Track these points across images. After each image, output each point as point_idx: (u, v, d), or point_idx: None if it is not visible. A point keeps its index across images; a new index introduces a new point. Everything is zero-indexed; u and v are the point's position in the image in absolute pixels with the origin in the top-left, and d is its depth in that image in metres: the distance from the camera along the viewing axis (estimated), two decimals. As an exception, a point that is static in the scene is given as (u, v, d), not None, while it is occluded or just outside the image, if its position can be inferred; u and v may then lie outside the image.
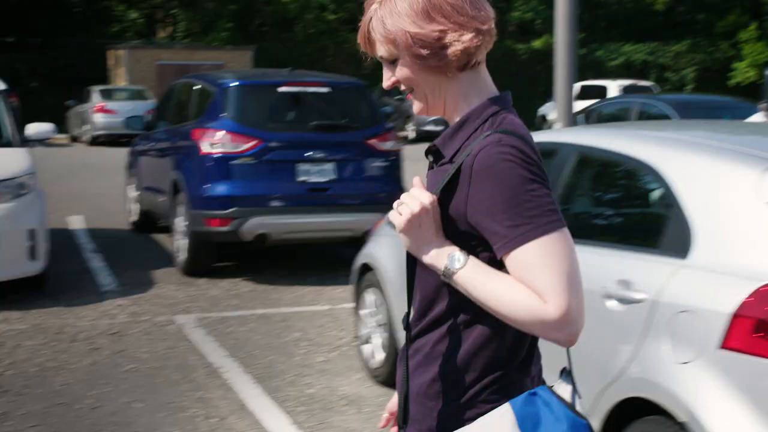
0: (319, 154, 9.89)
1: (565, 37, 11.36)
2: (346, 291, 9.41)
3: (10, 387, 6.53)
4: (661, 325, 4.03)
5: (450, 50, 2.26)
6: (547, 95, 37.04)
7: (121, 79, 34.44)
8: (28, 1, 37.53)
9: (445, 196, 2.26)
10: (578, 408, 2.31)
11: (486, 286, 2.24)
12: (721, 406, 3.75)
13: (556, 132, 5.71)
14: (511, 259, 2.17)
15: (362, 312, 7.04)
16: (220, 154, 9.70)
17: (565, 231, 2.17)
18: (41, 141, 11.30)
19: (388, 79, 2.42)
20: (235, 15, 39.57)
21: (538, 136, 5.90)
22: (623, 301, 4.21)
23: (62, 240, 11.51)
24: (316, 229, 10.05)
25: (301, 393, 6.59)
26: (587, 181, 5.11)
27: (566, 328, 2.14)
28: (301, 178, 9.81)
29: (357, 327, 7.18)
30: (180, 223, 10.27)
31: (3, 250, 8.86)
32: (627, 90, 30.16)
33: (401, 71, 2.37)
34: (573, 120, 11.89)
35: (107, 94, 30.24)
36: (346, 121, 10.27)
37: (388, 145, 10.23)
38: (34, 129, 10.92)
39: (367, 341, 6.94)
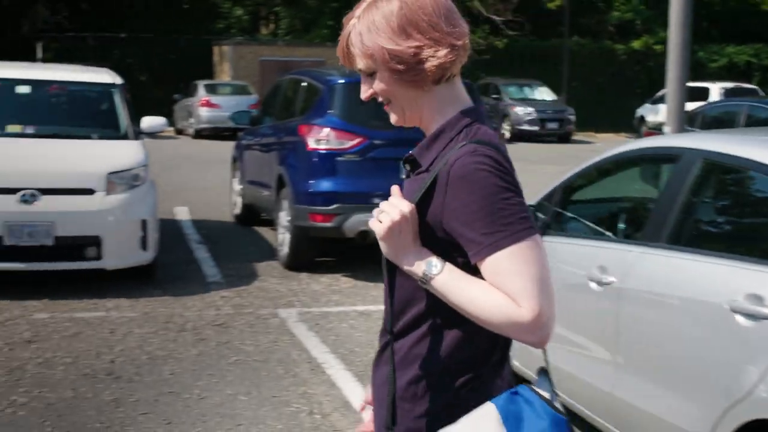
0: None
1: (679, 37, 11.16)
2: None
3: (122, 374, 6.65)
4: None
5: (426, 65, 2.35)
6: (644, 96, 36.55)
7: (225, 75, 34.91)
8: (141, -2, 38.47)
9: (422, 204, 2.35)
10: (557, 405, 2.36)
11: (462, 291, 2.34)
12: None
13: (678, 137, 5.53)
14: (486, 265, 2.29)
15: None
16: (325, 151, 9.73)
17: (537, 238, 2.29)
18: (152, 134, 11.46)
19: (365, 91, 2.48)
20: (335, 13, 39.63)
21: (667, 142, 5.75)
22: (754, 317, 4.05)
23: (169, 230, 11.68)
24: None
25: None
26: (713, 188, 4.98)
27: (539, 331, 2.25)
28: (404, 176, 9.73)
29: None
30: (283, 217, 10.33)
31: (117, 240, 9.06)
32: (730, 93, 29.46)
33: (379, 84, 2.44)
34: (685, 123, 11.67)
35: (212, 89, 30.77)
36: None
37: None
38: (147, 122, 11.05)
39: None
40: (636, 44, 41.53)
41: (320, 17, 39.87)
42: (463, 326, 2.41)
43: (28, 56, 31.82)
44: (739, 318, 4.10)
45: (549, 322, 2.27)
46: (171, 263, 10.14)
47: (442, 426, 2.41)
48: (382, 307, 7.70)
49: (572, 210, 6.07)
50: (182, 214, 13.91)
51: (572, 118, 32.52)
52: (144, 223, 9.20)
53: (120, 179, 9.23)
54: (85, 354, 7.32)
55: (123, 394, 6.35)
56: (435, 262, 2.38)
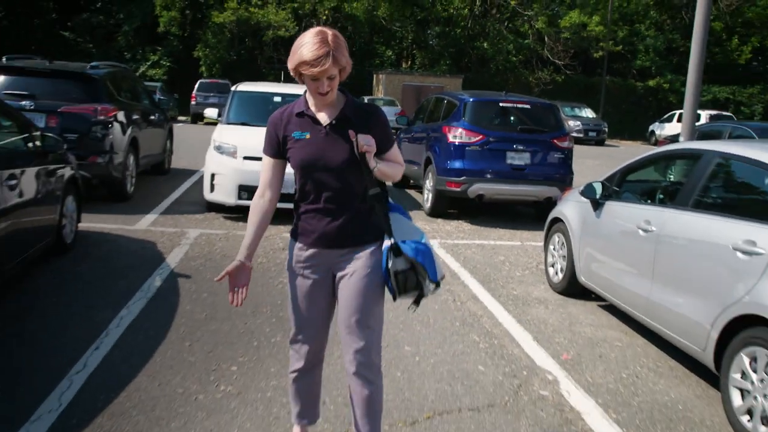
0: (521, 147, 9.81)
1: (694, 79, 10.96)
2: (530, 234, 9.49)
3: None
4: None
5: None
6: (654, 118, 35.66)
7: (380, 93, 34.94)
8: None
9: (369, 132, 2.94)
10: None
11: (386, 167, 3.00)
12: None
13: (702, 142, 5.55)
14: (389, 153, 3.04)
15: (550, 247, 7.00)
16: (459, 143, 9.80)
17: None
18: None
19: (328, 86, 2.85)
20: (452, 55, 39.50)
21: (693, 146, 5.57)
22: (748, 253, 4.11)
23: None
24: (514, 194, 9.97)
25: (509, 293, 6.61)
26: (726, 175, 4.92)
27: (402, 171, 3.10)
28: (509, 162, 9.77)
29: (545, 256, 7.13)
30: (428, 184, 10.40)
31: None
32: (714, 118, 28.79)
33: (336, 82, 2.87)
34: (692, 136, 11.50)
35: (372, 102, 30.81)
36: (539, 127, 10.10)
37: (565, 144, 10.10)
38: None
39: (551, 266, 6.95)
40: (651, 83, 40.06)
41: (441, 57, 39.63)
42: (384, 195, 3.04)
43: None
44: (739, 254, 4.16)
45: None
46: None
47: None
48: (491, 243, 8.08)
49: (626, 186, 6.01)
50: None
51: (605, 129, 31.76)
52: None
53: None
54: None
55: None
56: (377, 160, 2.95)
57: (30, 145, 5.96)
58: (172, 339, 4.88)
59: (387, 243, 2.95)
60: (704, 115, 29.40)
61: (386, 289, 3.03)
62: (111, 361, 4.44)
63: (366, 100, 30.22)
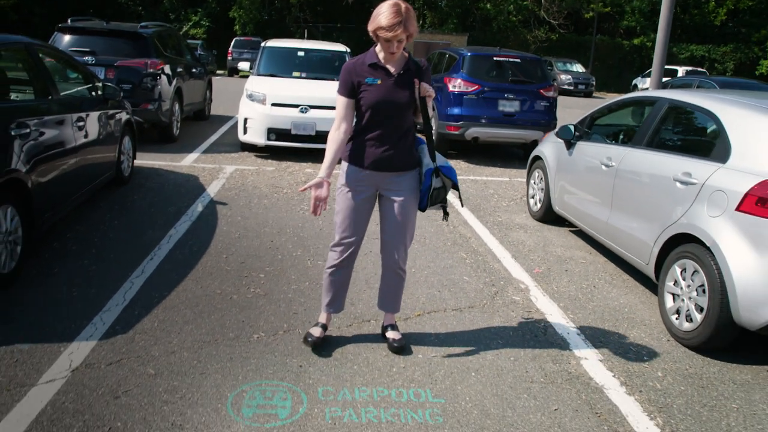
0: (511, 96, 9.82)
1: (662, 38, 10.87)
2: (517, 172, 9.58)
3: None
4: (704, 197, 4.03)
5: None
6: (637, 73, 34.98)
7: (394, 48, 34.55)
8: (352, 2, 37.80)
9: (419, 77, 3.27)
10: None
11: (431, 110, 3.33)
12: (730, 238, 3.77)
13: (655, 91, 5.67)
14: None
15: (531, 181, 7.08)
16: (457, 92, 9.83)
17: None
18: None
19: (397, 47, 3.15)
20: (458, 15, 38.72)
21: (649, 94, 5.74)
22: (684, 183, 4.24)
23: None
24: (505, 137, 10.00)
25: (495, 220, 6.73)
26: (673, 118, 4.99)
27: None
28: (500, 108, 9.79)
29: (527, 189, 7.23)
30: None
31: None
32: (690, 73, 28.23)
33: (403, 44, 3.16)
34: (659, 88, 11.45)
35: None
36: (528, 79, 10.07)
37: (550, 93, 10.07)
38: None
39: (532, 197, 7.05)
40: (635, 41, 38.99)
41: (449, 17, 38.85)
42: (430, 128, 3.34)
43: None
44: (678, 184, 4.29)
45: None
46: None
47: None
48: (483, 178, 8.24)
49: (594, 129, 6.09)
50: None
51: (593, 83, 31.24)
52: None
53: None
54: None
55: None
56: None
57: (93, 93, 6.14)
58: (211, 252, 5.18)
59: (430, 166, 3.33)
60: (681, 70, 28.91)
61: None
62: (163, 268, 4.74)
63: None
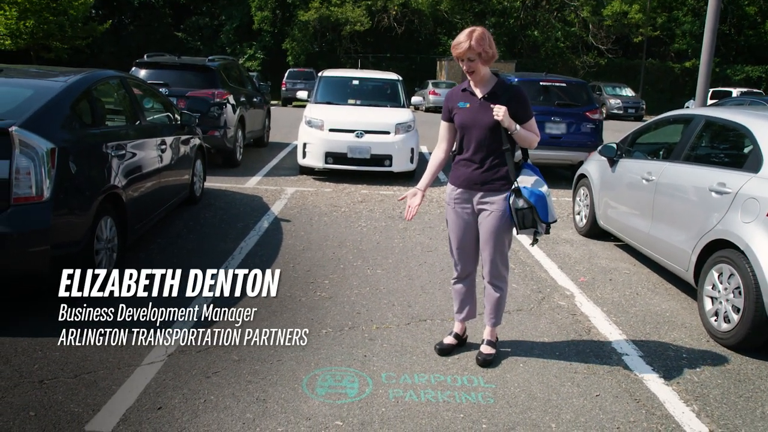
0: (558, 119, 10.04)
1: (706, 57, 10.89)
2: (563, 192, 9.65)
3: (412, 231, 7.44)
4: (738, 204, 4.24)
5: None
6: (689, 96, 34.53)
7: (443, 77, 34.96)
8: (401, 33, 38.67)
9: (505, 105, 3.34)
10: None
11: (523, 133, 3.36)
12: (762, 242, 3.99)
13: (692, 109, 5.86)
14: (527, 124, 3.39)
15: (576, 199, 7.28)
16: None
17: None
18: (415, 107, 11.95)
19: (468, 67, 3.33)
20: (506, 42, 39.06)
21: (686, 112, 5.86)
22: (719, 193, 4.48)
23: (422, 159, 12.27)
24: (552, 158, 10.15)
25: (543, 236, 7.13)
26: (709, 134, 5.20)
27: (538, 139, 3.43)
28: (547, 131, 9.97)
29: (573, 206, 7.42)
30: None
31: (399, 158, 9.34)
32: (743, 94, 27.66)
33: (475, 65, 3.33)
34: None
35: (435, 84, 30.60)
36: (573, 102, 10.26)
37: (595, 116, 10.26)
38: (414, 100, 11.55)
39: (578, 214, 7.22)
40: (687, 64, 38.70)
41: (496, 45, 39.32)
42: (513, 151, 3.38)
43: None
44: (713, 194, 4.53)
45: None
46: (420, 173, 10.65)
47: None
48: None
49: (636, 147, 6.30)
50: (424, 149, 14.47)
51: (644, 107, 31.09)
52: (412, 149, 9.43)
53: (403, 127, 9.45)
54: (390, 208, 7.80)
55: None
56: (516, 125, 3.33)
57: (172, 120, 6.73)
58: (279, 262, 5.63)
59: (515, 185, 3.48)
60: (735, 91, 28.42)
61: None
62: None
63: (430, 84, 30.59)
